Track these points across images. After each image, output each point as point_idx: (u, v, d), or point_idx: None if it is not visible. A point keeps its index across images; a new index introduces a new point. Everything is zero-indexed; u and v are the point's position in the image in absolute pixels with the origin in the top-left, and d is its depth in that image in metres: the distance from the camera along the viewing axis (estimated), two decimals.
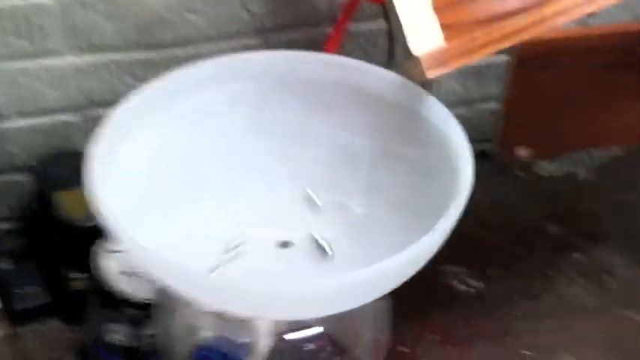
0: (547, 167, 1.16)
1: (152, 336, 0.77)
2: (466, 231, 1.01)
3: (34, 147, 0.95)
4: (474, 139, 1.12)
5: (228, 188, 0.67)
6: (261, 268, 0.65)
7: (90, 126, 0.92)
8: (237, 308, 0.51)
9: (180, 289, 0.52)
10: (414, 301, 0.94)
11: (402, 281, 0.55)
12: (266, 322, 0.58)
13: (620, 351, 0.89)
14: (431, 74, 0.61)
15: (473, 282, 0.98)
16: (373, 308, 0.69)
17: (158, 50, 0.92)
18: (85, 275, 0.80)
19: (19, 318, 0.85)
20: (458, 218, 0.56)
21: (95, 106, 0.94)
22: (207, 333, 0.61)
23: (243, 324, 0.59)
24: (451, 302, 0.95)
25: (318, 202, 0.68)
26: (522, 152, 1.13)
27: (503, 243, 1.04)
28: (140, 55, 0.93)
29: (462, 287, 0.97)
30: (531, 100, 1.09)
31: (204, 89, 0.63)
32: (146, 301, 0.73)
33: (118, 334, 0.77)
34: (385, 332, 0.70)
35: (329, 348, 0.62)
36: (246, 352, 0.59)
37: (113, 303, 0.75)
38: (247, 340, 0.59)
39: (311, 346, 0.62)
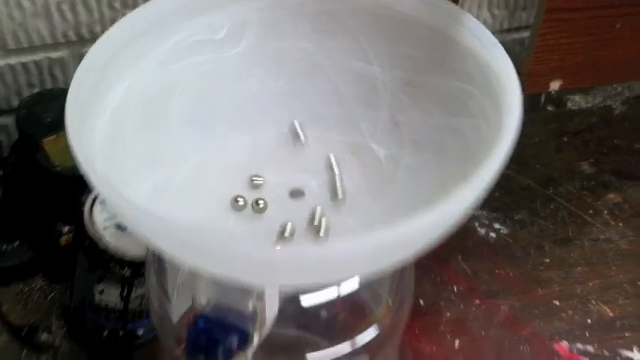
0: (580, 101, 1.08)
1: (143, 297, 0.71)
2: (499, 180, 0.97)
3: (17, 87, 0.88)
4: None
5: (228, 131, 0.60)
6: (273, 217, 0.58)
7: (77, 62, 0.86)
8: (244, 276, 0.45)
9: (172, 252, 0.46)
10: (435, 248, 0.89)
11: (435, 241, 0.47)
12: (275, 295, 0.52)
13: None
14: None
15: (498, 227, 0.91)
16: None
17: None
18: (73, 228, 0.74)
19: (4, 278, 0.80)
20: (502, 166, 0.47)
21: (84, 41, 0.87)
22: (204, 298, 0.55)
23: (249, 287, 0.52)
24: (475, 250, 0.89)
25: (332, 144, 0.60)
26: (554, 85, 1.05)
27: (532, 185, 0.97)
28: None
29: (486, 232, 0.91)
30: (563, 29, 1.00)
31: (202, 15, 0.56)
32: (138, 260, 0.68)
33: (107, 295, 0.71)
34: (408, 296, 0.64)
35: (343, 313, 0.56)
36: (251, 321, 0.53)
37: (103, 260, 0.69)
38: (251, 307, 0.53)
39: (323, 312, 0.56)
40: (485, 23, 1.02)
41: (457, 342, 0.79)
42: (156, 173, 0.55)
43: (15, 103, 0.87)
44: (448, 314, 0.81)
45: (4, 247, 0.79)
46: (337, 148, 0.60)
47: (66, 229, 0.77)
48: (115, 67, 0.52)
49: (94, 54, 0.51)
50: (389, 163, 0.58)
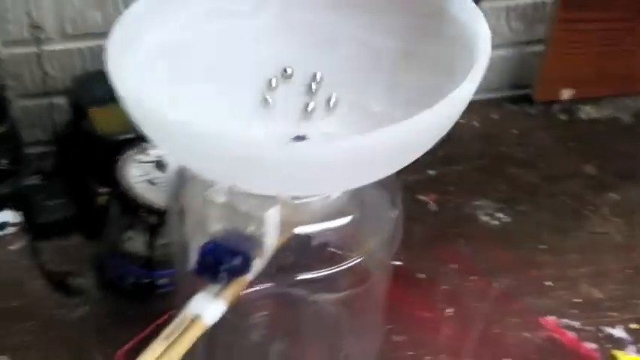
0: (590, 111, 1.15)
1: (166, 245, 0.80)
2: (499, 170, 1.04)
3: (72, 70, 1.00)
4: (519, 82, 1.15)
5: (245, 91, 0.69)
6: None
7: None
8: (255, 181, 0.52)
9: (195, 162, 0.55)
10: (436, 231, 0.96)
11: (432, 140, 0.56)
12: (275, 214, 0.60)
13: None
14: None
15: (500, 215, 0.98)
16: (383, 216, 0.70)
17: None
18: (109, 191, 0.84)
19: (40, 231, 0.89)
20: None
21: None
22: (216, 226, 0.64)
23: (252, 216, 0.61)
24: (475, 234, 0.94)
25: (337, 102, 0.69)
26: (566, 94, 1.12)
27: (538, 182, 1.03)
28: None
29: (489, 220, 0.97)
30: (575, 41, 1.08)
31: None
32: (163, 209, 0.77)
33: (135, 241, 0.81)
34: (395, 243, 0.72)
35: (331, 244, 0.64)
36: (254, 245, 0.61)
37: (133, 210, 0.78)
38: (256, 232, 0.61)
39: (314, 241, 0.64)
40: (502, 35, 1.11)
41: (448, 310, 0.86)
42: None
43: (67, 84, 0.99)
44: (444, 287, 0.88)
45: (50, 203, 0.90)
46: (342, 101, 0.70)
47: (103, 190, 0.87)
48: (151, 18, 0.62)
49: (136, 5, 0.62)
50: (383, 116, 0.67)
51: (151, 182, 0.79)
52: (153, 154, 0.82)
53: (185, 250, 0.68)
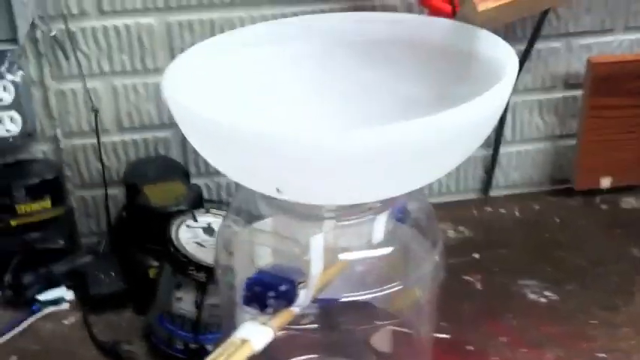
0: (630, 201, 1.16)
1: (214, 306, 0.81)
2: (543, 253, 1.04)
3: (127, 160, 1.05)
4: (557, 175, 1.17)
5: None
6: None
7: (178, 140, 1.04)
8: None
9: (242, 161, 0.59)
10: (483, 308, 0.95)
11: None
12: (320, 240, 0.62)
13: None
14: (482, 7, 0.68)
15: (548, 294, 0.97)
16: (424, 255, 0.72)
17: None
18: (160, 265, 0.86)
19: (93, 305, 0.91)
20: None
21: None
22: (263, 259, 0.65)
23: (298, 242, 0.63)
24: (523, 310, 0.93)
25: None
26: (605, 182, 1.13)
27: (584, 264, 1.02)
28: None
29: (537, 298, 0.96)
30: (605, 125, 1.10)
31: (268, 46, 0.71)
32: (212, 266, 0.79)
33: (184, 302, 0.81)
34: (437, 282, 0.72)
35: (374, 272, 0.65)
36: (300, 274, 0.63)
37: (183, 268, 0.80)
38: (301, 260, 0.62)
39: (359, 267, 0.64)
40: (537, 129, 1.15)
41: None
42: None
43: (121, 173, 1.04)
44: (494, 358, 0.87)
45: (102, 277, 0.92)
46: None
47: (154, 263, 0.90)
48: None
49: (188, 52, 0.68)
50: None
51: (200, 244, 0.82)
52: (202, 220, 0.85)
53: (232, 311, 0.70)
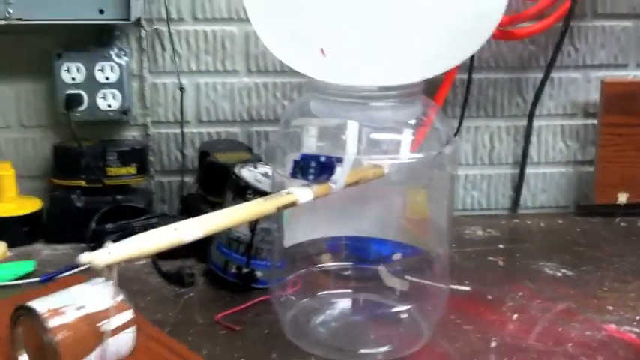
0: None
1: (266, 230, 0.93)
2: (564, 247, 1.13)
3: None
4: (580, 198, 1.26)
5: None
6: None
7: (245, 136, 1.20)
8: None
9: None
10: (506, 276, 1.03)
11: None
12: (355, 126, 0.74)
13: None
14: None
15: (565, 271, 1.04)
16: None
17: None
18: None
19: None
20: None
21: (252, 122, 1.21)
22: (309, 146, 0.78)
23: (339, 126, 0.75)
24: (541, 279, 1.00)
25: None
26: (622, 198, 1.22)
27: (600, 255, 1.09)
28: (295, 80, 1.20)
29: (554, 272, 1.04)
30: (619, 142, 1.19)
31: None
32: (266, 191, 0.91)
33: (240, 227, 0.94)
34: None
35: None
36: (337, 157, 0.75)
37: (242, 192, 0.92)
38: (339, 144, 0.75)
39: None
40: (560, 153, 1.27)
41: (514, 316, 0.91)
42: None
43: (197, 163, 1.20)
44: (510, 304, 0.94)
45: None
46: None
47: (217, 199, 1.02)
48: None
49: None
50: None
51: (257, 180, 0.95)
52: (261, 169, 0.99)
53: (280, 239, 0.83)
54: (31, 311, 0.61)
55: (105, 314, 0.62)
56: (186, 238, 0.61)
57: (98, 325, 0.62)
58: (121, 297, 0.64)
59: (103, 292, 0.64)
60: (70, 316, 0.61)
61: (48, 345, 0.60)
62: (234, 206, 0.69)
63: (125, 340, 0.64)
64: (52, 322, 0.60)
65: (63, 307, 0.61)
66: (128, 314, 0.65)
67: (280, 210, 0.72)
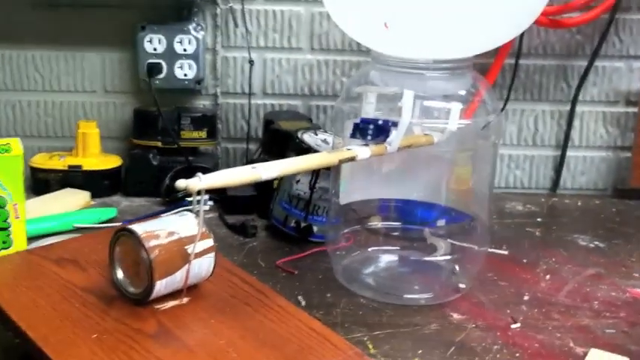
0: None
1: (324, 189, 1.03)
2: (598, 223, 1.21)
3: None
4: (618, 183, 1.33)
5: None
6: None
7: (306, 108, 1.30)
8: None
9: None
10: (541, 245, 1.11)
11: None
12: (411, 95, 0.83)
13: None
14: None
15: (597, 243, 1.12)
16: None
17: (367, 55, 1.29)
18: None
19: (229, 205, 1.15)
20: None
21: (312, 96, 1.32)
22: (369, 112, 0.87)
23: (396, 94, 0.84)
24: (575, 249, 1.08)
25: None
26: None
27: (633, 232, 1.16)
28: (355, 59, 1.31)
29: (587, 244, 1.11)
30: None
31: None
32: None
33: (301, 184, 1.03)
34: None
35: None
36: (394, 121, 0.84)
37: (303, 151, 1.02)
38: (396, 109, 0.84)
39: None
40: (601, 138, 1.34)
41: (546, 276, 1.00)
42: None
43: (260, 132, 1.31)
44: (543, 267, 1.03)
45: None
46: None
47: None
48: None
49: None
50: None
51: (318, 145, 1.05)
52: (321, 136, 1.09)
53: (337, 198, 0.93)
54: (131, 232, 0.72)
55: (190, 240, 0.73)
56: (262, 175, 0.71)
57: (185, 247, 0.73)
58: (204, 227, 0.74)
59: (189, 222, 0.75)
60: (163, 238, 0.72)
61: (143, 261, 0.71)
62: (303, 155, 0.79)
63: (206, 263, 0.75)
64: (148, 243, 0.71)
65: (157, 231, 0.72)
66: (209, 242, 0.75)
67: (342, 162, 0.81)
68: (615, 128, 1.34)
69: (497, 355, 0.79)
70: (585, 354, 0.80)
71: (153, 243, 0.72)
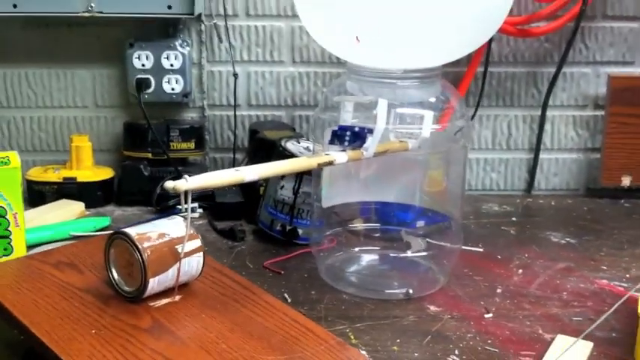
0: None
1: (307, 194, 1.08)
2: (570, 221, 1.27)
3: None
4: (592, 185, 1.39)
5: None
6: None
7: (289, 119, 1.36)
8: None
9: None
10: (516, 242, 1.17)
11: None
12: (385, 104, 0.89)
13: None
14: None
15: (569, 239, 1.18)
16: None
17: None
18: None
19: (217, 211, 1.20)
20: None
21: (295, 107, 1.37)
22: (346, 119, 0.93)
23: (372, 103, 0.90)
24: (547, 245, 1.14)
25: None
26: (626, 180, 1.35)
27: (602, 229, 1.22)
28: (334, 70, 1.36)
29: (558, 240, 1.17)
30: (625, 131, 1.31)
31: None
32: None
33: (285, 190, 1.09)
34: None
35: None
36: (369, 128, 0.90)
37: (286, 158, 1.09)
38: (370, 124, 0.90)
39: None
40: (571, 140, 1.40)
41: (519, 271, 1.05)
42: None
43: (246, 142, 1.36)
44: (516, 262, 1.09)
45: (226, 193, 1.22)
46: None
47: (262, 182, 1.19)
48: None
49: None
50: None
51: (300, 152, 1.11)
52: (304, 144, 1.15)
53: (319, 202, 0.98)
54: (125, 235, 0.77)
55: (180, 240, 0.78)
56: (245, 177, 0.76)
57: (175, 247, 0.78)
58: (191, 229, 0.80)
59: (178, 224, 0.80)
60: (154, 240, 0.77)
61: (137, 261, 0.76)
62: (284, 160, 0.84)
63: (195, 262, 0.80)
64: (141, 244, 0.76)
65: (148, 233, 0.78)
66: (197, 242, 0.81)
67: (320, 166, 0.87)
68: (585, 131, 1.40)
69: (471, 343, 0.85)
70: (553, 340, 0.86)
71: (145, 244, 0.77)
